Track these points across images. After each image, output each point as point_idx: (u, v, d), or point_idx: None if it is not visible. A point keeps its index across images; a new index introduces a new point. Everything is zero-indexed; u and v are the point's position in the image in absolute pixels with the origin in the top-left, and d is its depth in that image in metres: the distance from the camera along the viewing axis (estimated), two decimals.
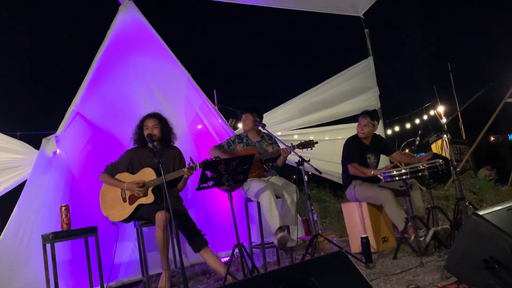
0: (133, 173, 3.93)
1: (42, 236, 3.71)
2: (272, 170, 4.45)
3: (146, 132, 3.94)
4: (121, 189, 3.87)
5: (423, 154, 4.43)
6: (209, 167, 3.45)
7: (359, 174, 4.44)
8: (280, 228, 3.93)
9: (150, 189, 3.80)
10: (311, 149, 4.18)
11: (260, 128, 4.52)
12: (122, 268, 4.46)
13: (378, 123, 4.71)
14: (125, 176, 3.90)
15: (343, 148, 4.72)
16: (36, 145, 4.40)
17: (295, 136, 6.15)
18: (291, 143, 4.16)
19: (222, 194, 4.41)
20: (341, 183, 5.01)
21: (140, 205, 3.81)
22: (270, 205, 3.96)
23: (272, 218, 3.95)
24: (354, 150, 4.59)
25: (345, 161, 4.62)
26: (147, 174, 3.86)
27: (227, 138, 4.61)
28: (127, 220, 3.87)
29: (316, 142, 4.21)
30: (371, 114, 4.64)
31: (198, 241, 3.75)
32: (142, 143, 4.02)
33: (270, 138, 4.52)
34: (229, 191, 3.52)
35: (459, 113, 9.73)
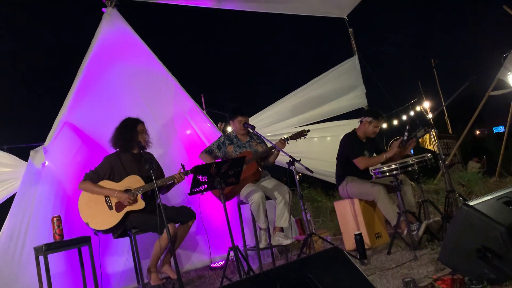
0: (114, 179, 3.83)
1: (35, 248, 3.67)
2: (265, 171, 4.45)
3: (140, 138, 3.91)
4: (106, 197, 3.74)
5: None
6: (200, 172, 3.46)
7: (371, 164, 4.34)
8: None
9: (139, 195, 3.77)
10: (305, 137, 4.14)
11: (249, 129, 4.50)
12: (117, 277, 4.41)
13: None
14: (108, 184, 3.80)
15: (342, 144, 4.71)
16: (25, 157, 4.35)
17: (284, 136, 6.16)
18: (283, 137, 4.14)
19: (214, 196, 4.39)
20: (332, 181, 5.01)
21: (128, 213, 3.74)
22: (258, 210, 4.02)
23: (259, 220, 4.09)
24: (357, 145, 4.61)
25: (349, 157, 4.54)
26: (134, 182, 3.80)
27: (215, 140, 4.54)
28: (114, 228, 3.72)
29: (308, 130, 4.18)
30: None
31: (186, 213, 3.94)
32: (128, 147, 3.97)
33: (258, 138, 4.52)
34: (223, 194, 3.51)
35: (444, 107, 9.83)
